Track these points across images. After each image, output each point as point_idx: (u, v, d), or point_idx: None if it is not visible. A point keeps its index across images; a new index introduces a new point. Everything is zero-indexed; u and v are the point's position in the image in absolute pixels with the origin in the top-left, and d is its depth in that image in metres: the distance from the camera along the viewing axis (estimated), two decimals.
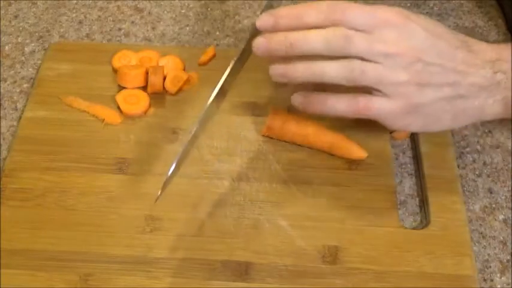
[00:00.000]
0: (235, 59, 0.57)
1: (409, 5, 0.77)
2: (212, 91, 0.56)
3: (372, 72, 0.52)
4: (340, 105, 0.54)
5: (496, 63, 0.53)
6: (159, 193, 0.52)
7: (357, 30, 0.52)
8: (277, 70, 0.55)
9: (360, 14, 0.52)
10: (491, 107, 0.53)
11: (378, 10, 0.53)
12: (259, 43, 0.54)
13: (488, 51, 0.54)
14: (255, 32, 0.56)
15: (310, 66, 0.53)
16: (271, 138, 0.62)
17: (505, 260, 0.56)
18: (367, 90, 0.53)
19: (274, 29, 0.54)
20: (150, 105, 0.65)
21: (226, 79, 0.56)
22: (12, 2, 0.77)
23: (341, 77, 0.52)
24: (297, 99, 0.56)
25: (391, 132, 0.62)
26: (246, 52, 0.57)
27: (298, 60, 0.54)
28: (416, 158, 0.62)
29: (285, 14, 0.54)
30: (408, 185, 0.61)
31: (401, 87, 0.52)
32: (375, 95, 0.53)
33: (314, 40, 0.52)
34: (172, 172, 0.53)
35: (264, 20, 0.54)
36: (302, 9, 0.53)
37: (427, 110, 0.53)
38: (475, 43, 0.55)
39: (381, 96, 0.53)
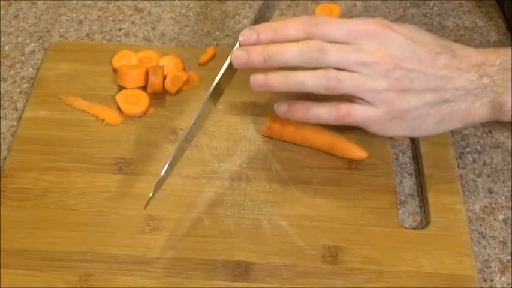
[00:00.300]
0: (229, 57, 0.57)
1: (409, 5, 0.77)
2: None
3: (348, 81, 0.53)
4: (321, 112, 0.56)
5: (482, 67, 0.54)
6: (150, 194, 0.53)
7: (335, 42, 0.54)
8: (257, 80, 0.56)
9: (337, 26, 0.54)
10: (479, 110, 0.54)
11: (356, 22, 0.55)
12: (239, 55, 0.56)
13: (473, 55, 0.55)
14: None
15: (288, 76, 0.55)
16: (271, 138, 0.62)
17: (505, 260, 0.56)
18: (350, 98, 0.54)
19: (256, 43, 0.56)
20: (150, 105, 0.65)
21: (221, 77, 0.57)
22: (12, 2, 0.77)
23: (318, 86, 0.54)
24: (281, 108, 0.58)
25: None
26: None
27: (277, 71, 0.55)
28: (416, 158, 0.62)
29: (265, 28, 0.56)
30: (408, 185, 0.61)
31: (382, 94, 0.54)
32: (356, 102, 0.54)
33: (290, 52, 0.54)
34: (166, 172, 0.53)
35: (246, 35, 0.56)
36: (282, 24, 0.56)
37: (411, 115, 0.54)
38: (460, 48, 0.55)
39: (362, 104, 0.54)
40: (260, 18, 0.59)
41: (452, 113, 0.54)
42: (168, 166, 0.53)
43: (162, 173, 0.53)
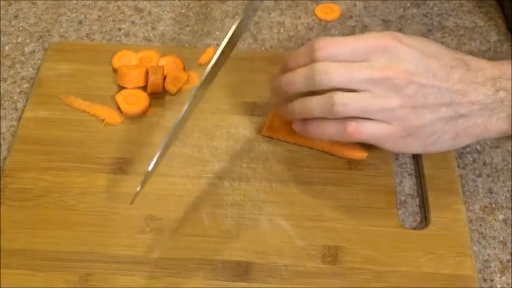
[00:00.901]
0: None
1: (409, 5, 0.77)
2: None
3: (355, 104, 0.52)
4: (330, 130, 0.54)
5: (498, 81, 0.52)
6: (138, 189, 0.52)
7: (347, 61, 0.52)
8: (281, 114, 0.59)
9: (343, 45, 0.53)
10: (496, 125, 0.53)
11: (365, 38, 0.53)
12: (271, 88, 0.59)
13: (488, 68, 0.53)
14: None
15: (300, 104, 0.55)
16: (271, 138, 0.62)
17: (505, 260, 0.56)
18: None
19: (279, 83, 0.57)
20: (150, 105, 0.65)
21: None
22: (12, 2, 0.77)
23: (324, 113, 0.53)
24: (297, 126, 0.58)
25: None
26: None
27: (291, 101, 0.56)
28: (416, 158, 0.62)
29: (281, 63, 0.57)
30: (408, 185, 0.61)
31: (394, 112, 0.52)
32: (366, 119, 0.53)
33: (296, 80, 0.54)
34: (155, 163, 0.52)
35: (272, 84, 0.58)
36: (293, 55, 0.56)
37: (426, 132, 0.53)
38: (474, 61, 0.54)
39: (372, 121, 0.53)
40: (245, 20, 0.57)
41: (468, 128, 0.53)
42: (158, 156, 0.52)
43: (153, 163, 0.52)
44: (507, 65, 0.54)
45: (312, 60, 0.53)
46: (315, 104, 0.54)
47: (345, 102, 0.52)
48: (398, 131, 0.53)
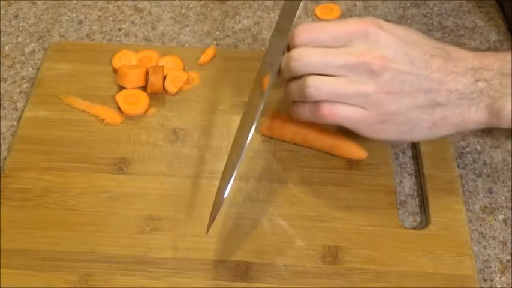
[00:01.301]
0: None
1: (409, 5, 0.77)
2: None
3: (327, 87, 0.52)
4: (305, 111, 0.55)
5: (478, 71, 0.52)
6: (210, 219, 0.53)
7: (327, 46, 0.52)
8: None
9: (321, 31, 0.53)
10: (474, 115, 0.52)
11: (345, 23, 0.53)
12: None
13: (470, 58, 0.53)
14: None
15: (284, 88, 0.56)
16: (271, 138, 0.62)
17: (505, 260, 0.56)
18: None
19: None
20: (150, 105, 0.65)
21: None
22: (12, 2, 0.77)
23: (299, 95, 0.54)
24: (289, 109, 0.58)
25: None
26: None
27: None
28: (416, 158, 0.62)
29: None
30: (408, 185, 0.61)
31: (369, 97, 0.52)
32: (341, 103, 0.53)
33: (282, 66, 0.55)
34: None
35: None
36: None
37: (401, 118, 0.53)
38: (456, 51, 0.54)
39: (346, 105, 0.53)
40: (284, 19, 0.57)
41: (445, 118, 0.53)
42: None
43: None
44: (489, 56, 0.53)
45: (292, 45, 0.54)
46: (292, 88, 0.55)
47: (317, 85, 0.52)
48: (372, 116, 0.53)
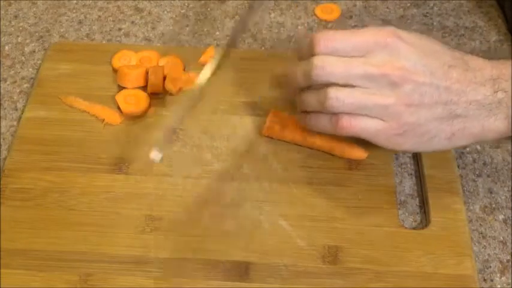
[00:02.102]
0: None
1: (409, 5, 0.77)
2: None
3: (348, 99, 0.52)
4: (324, 123, 0.54)
5: (497, 81, 0.52)
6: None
7: (346, 56, 0.52)
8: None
9: (342, 40, 0.52)
10: (494, 126, 0.52)
11: (365, 33, 0.53)
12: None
13: (488, 68, 0.53)
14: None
15: (299, 97, 0.56)
16: (271, 138, 0.62)
17: (505, 260, 0.56)
18: None
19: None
20: (150, 105, 0.65)
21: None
22: (12, 2, 0.77)
23: (318, 106, 0.53)
24: (299, 118, 0.58)
25: None
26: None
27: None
28: (416, 158, 0.62)
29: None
30: (408, 185, 0.61)
31: (388, 109, 0.52)
32: (360, 115, 0.53)
33: (296, 75, 0.54)
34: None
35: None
36: (297, 49, 0.56)
37: (420, 130, 0.53)
38: (473, 60, 0.53)
39: (366, 116, 0.52)
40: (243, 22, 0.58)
41: (464, 129, 0.53)
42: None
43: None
44: (507, 65, 0.53)
45: (312, 54, 0.53)
46: (310, 98, 0.54)
47: (338, 97, 0.52)
48: (392, 128, 0.52)
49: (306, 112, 0.56)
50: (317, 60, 0.52)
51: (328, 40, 0.53)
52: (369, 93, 0.52)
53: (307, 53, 0.54)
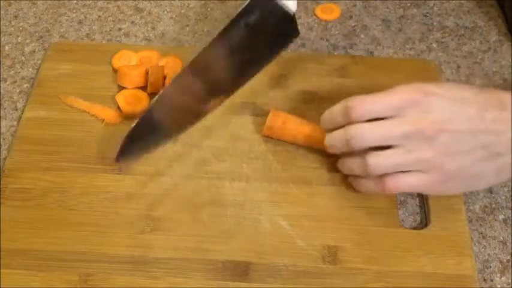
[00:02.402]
0: None
1: (409, 5, 0.77)
2: None
3: (388, 162, 0.53)
4: (371, 187, 0.56)
5: None
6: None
7: (379, 118, 0.53)
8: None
9: (374, 104, 0.54)
10: None
11: (395, 93, 0.54)
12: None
13: None
14: None
15: (342, 164, 0.58)
16: (271, 138, 0.62)
17: (505, 260, 0.56)
18: None
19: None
20: None
21: None
22: (12, 2, 0.77)
23: (362, 172, 0.55)
24: (351, 180, 0.59)
25: None
26: None
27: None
28: None
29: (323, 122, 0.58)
30: None
31: (429, 162, 0.53)
32: (403, 172, 0.54)
33: (335, 143, 0.56)
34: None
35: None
36: (328, 113, 0.57)
37: (466, 174, 0.53)
38: (506, 96, 0.53)
39: (409, 173, 0.53)
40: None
41: (509, 164, 0.53)
42: None
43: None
44: None
45: (348, 118, 0.55)
46: (353, 165, 0.56)
47: (378, 162, 0.53)
48: (436, 178, 0.53)
49: (354, 176, 0.58)
50: (354, 130, 0.54)
51: (361, 104, 0.54)
52: (407, 151, 0.53)
53: (341, 117, 0.55)
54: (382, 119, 0.54)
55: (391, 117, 0.53)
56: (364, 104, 0.54)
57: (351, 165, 0.57)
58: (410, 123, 0.52)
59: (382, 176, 0.54)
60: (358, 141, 0.54)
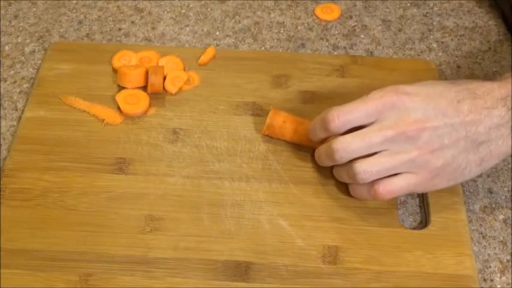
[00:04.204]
0: None
1: (409, 5, 0.77)
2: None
3: (375, 168, 0.54)
4: (364, 194, 0.56)
5: (507, 99, 0.53)
6: None
7: (360, 126, 0.54)
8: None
9: (352, 112, 0.54)
10: None
11: (370, 99, 0.54)
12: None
13: (495, 90, 0.53)
14: None
15: (335, 174, 0.59)
16: (271, 137, 0.62)
17: (505, 260, 0.56)
18: None
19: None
20: (150, 105, 0.65)
21: None
22: (12, 2, 0.77)
23: (351, 180, 0.56)
24: (350, 188, 0.59)
25: None
26: None
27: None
28: None
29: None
30: None
31: (415, 161, 0.53)
32: (392, 176, 0.54)
33: (322, 159, 0.58)
34: None
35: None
36: (310, 127, 0.58)
37: (451, 168, 0.54)
38: (480, 86, 0.54)
39: (398, 176, 0.54)
40: None
41: (491, 152, 0.53)
42: None
43: None
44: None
45: (327, 132, 0.55)
46: (342, 174, 0.57)
47: (365, 170, 0.54)
48: (424, 177, 0.54)
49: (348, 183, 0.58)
50: (335, 144, 0.54)
51: (339, 115, 0.54)
52: (392, 154, 0.53)
53: (322, 131, 0.56)
54: (363, 126, 0.54)
55: (371, 123, 0.54)
56: (341, 115, 0.54)
57: (340, 174, 0.58)
58: (390, 128, 0.53)
59: (372, 183, 0.54)
60: (343, 154, 0.54)
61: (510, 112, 0.52)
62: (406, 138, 0.53)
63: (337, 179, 0.59)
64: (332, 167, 0.59)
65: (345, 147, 0.54)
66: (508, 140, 0.53)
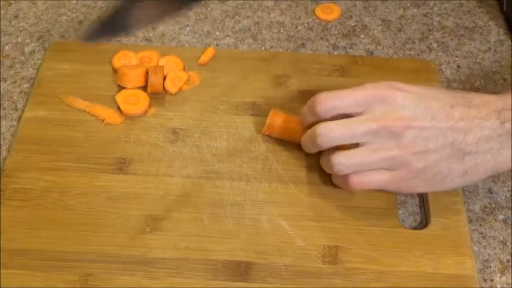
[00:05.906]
0: None
1: (409, 5, 0.77)
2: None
3: (352, 161, 0.53)
4: (338, 181, 0.57)
5: (502, 113, 0.51)
6: None
7: (347, 114, 0.53)
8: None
9: (341, 99, 0.54)
10: (507, 157, 0.52)
11: (362, 89, 0.54)
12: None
13: (492, 102, 0.52)
14: None
15: (320, 161, 0.58)
16: (271, 137, 0.62)
17: (505, 260, 0.56)
18: None
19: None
20: (150, 105, 0.65)
21: None
22: (12, 2, 0.77)
23: (330, 171, 0.56)
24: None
25: None
26: None
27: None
28: None
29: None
30: None
31: (394, 159, 0.53)
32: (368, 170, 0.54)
33: (306, 143, 0.58)
34: None
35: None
36: (302, 111, 0.58)
37: (431, 172, 0.53)
38: (478, 97, 0.53)
39: (373, 171, 0.54)
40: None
41: (477, 165, 0.52)
42: None
43: None
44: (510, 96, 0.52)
45: (314, 114, 0.55)
46: (322, 164, 0.57)
47: (341, 162, 0.54)
48: (401, 176, 0.53)
49: None
50: (319, 129, 0.54)
51: (327, 100, 0.54)
52: (373, 149, 0.53)
53: (310, 115, 0.56)
54: (351, 116, 0.54)
55: (358, 114, 0.53)
56: (329, 100, 0.54)
57: (322, 163, 0.57)
58: (376, 121, 0.52)
59: (347, 175, 0.54)
60: (324, 139, 0.54)
61: (503, 126, 0.51)
62: (390, 133, 0.52)
63: (322, 167, 0.58)
64: None
65: (327, 132, 0.53)
66: (496, 155, 0.52)
